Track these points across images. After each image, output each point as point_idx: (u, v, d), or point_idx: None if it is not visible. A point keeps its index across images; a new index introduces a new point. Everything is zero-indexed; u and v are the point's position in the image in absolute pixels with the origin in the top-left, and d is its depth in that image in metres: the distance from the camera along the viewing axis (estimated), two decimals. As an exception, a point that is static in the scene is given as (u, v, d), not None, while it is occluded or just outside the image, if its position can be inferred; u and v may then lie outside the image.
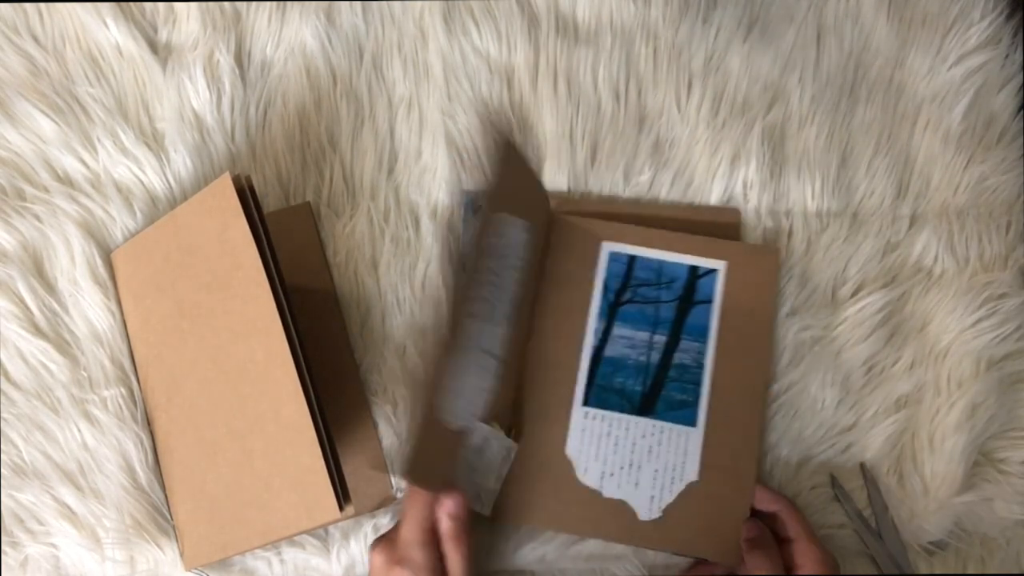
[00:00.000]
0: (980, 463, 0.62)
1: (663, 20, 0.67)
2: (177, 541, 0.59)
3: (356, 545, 0.59)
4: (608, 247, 0.63)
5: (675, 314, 0.62)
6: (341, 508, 0.50)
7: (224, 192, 0.55)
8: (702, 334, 0.62)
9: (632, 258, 0.63)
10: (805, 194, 0.66)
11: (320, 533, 0.60)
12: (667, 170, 0.66)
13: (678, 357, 0.61)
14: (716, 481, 0.59)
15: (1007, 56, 0.68)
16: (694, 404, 0.60)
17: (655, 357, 0.61)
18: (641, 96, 0.67)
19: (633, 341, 0.62)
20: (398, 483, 0.60)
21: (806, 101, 0.67)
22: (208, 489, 0.57)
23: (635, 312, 0.62)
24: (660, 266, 0.63)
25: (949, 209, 0.66)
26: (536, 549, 0.59)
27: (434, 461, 0.50)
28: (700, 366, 0.61)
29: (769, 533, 0.56)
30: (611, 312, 0.62)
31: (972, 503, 0.60)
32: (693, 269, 0.63)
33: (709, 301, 0.62)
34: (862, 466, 0.61)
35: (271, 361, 0.53)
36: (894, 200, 0.66)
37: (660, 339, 0.62)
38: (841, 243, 0.65)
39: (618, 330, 0.62)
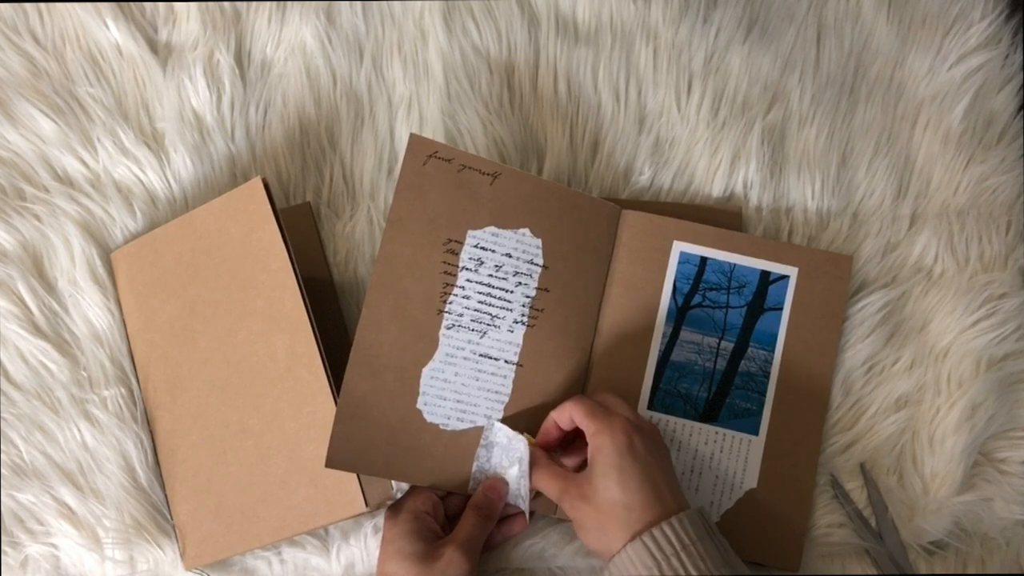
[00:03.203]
0: (980, 463, 0.62)
1: (663, 20, 0.67)
2: (177, 541, 0.59)
3: (356, 545, 0.59)
4: (679, 247, 0.61)
5: (744, 320, 0.61)
6: (366, 502, 0.52)
7: (254, 195, 0.57)
8: (770, 342, 0.61)
9: (703, 260, 0.61)
10: (805, 194, 0.66)
11: (320, 533, 0.60)
12: (667, 170, 0.66)
13: (745, 365, 0.61)
14: (775, 489, 0.59)
15: (1007, 56, 0.68)
16: (758, 413, 0.60)
17: (721, 364, 0.61)
18: (641, 96, 0.67)
19: (700, 347, 0.61)
20: (398, 484, 0.60)
21: (806, 101, 0.67)
22: (214, 488, 0.57)
23: (704, 317, 0.61)
24: (732, 269, 0.61)
25: (949, 209, 0.66)
26: (535, 545, 0.59)
27: (374, 451, 0.54)
28: (766, 375, 0.60)
29: (537, 453, 0.54)
30: (679, 315, 0.61)
31: (972, 503, 0.60)
32: (765, 274, 0.61)
33: (779, 308, 0.61)
34: (862, 466, 0.61)
35: (296, 360, 0.55)
36: (894, 200, 0.66)
37: (727, 346, 0.61)
38: (841, 243, 0.65)
39: (685, 335, 0.61)
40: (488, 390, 0.57)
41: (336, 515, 0.54)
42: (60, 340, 0.61)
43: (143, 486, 0.59)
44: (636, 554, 0.47)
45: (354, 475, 0.53)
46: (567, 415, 0.54)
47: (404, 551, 0.52)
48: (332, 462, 0.52)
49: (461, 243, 0.57)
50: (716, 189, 0.66)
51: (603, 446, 0.50)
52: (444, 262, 0.57)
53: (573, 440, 0.57)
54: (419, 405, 0.56)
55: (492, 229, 0.58)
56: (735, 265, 0.62)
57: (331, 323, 0.62)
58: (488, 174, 0.58)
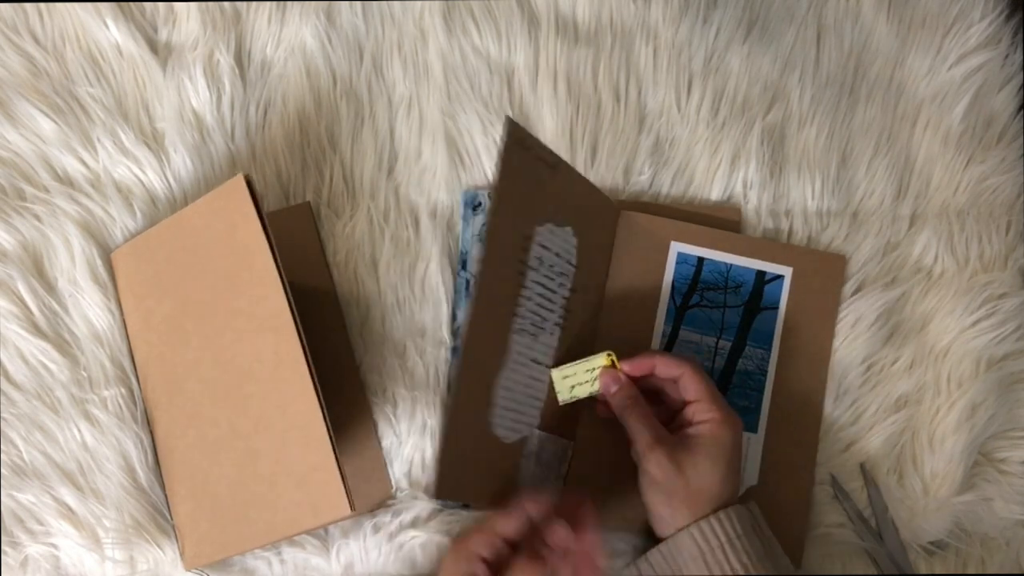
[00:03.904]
0: (980, 463, 0.62)
1: (663, 20, 0.67)
2: (177, 541, 0.59)
3: (356, 544, 0.59)
4: (677, 247, 0.62)
5: (741, 320, 0.61)
6: (352, 506, 0.51)
7: (237, 193, 0.55)
8: (767, 341, 0.61)
9: (700, 260, 0.62)
10: (805, 194, 0.66)
11: (320, 533, 0.60)
12: (667, 170, 0.66)
13: (742, 364, 0.61)
14: (775, 485, 0.59)
15: (1007, 56, 0.68)
16: (756, 410, 0.60)
17: (719, 363, 0.61)
18: (641, 96, 0.67)
19: (699, 346, 0.61)
20: (398, 483, 0.60)
21: (806, 101, 0.67)
22: (210, 489, 0.57)
23: (702, 316, 0.61)
24: (728, 270, 0.62)
25: (949, 209, 0.66)
26: (536, 549, 0.59)
27: (475, 476, 0.50)
28: (763, 373, 0.61)
29: (637, 391, 0.53)
30: (678, 315, 0.61)
31: (972, 503, 0.60)
32: (760, 275, 0.62)
33: (775, 307, 0.62)
34: (862, 466, 0.61)
35: (281, 360, 0.53)
36: (894, 200, 0.66)
37: (725, 345, 0.61)
38: (841, 243, 0.65)
39: (684, 334, 0.61)
40: (532, 397, 0.54)
41: (322, 519, 0.52)
42: (60, 340, 0.61)
43: (143, 486, 0.59)
44: (683, 540, 0.49)
45: (339, 478, 0.50)
46: (678, 373, 0.53)
47: None
48: (441, 492, 0.48)
49: (531, 239, 0.53)
50: (716, 189, 0.66)
51: (724, 436, 0.51)
52: (520, 260, 0.52)
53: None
54: (492, 418, 0.51)
55: (550, 227, 0.54)
56: (731, 265, 0.62)
57: (330, 324, 0.62)
58: (550, 165, 0.53)
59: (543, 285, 0.54)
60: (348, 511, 0.51)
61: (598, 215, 0.60)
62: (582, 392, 0.55)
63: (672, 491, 0.50)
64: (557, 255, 0.55)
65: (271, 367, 0.54)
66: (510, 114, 0.66)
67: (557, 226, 0.55)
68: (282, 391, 0.54)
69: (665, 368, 0.54)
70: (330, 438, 0.51)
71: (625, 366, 0.54)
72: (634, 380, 0.54)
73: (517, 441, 0.54)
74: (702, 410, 0.52)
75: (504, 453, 0.53)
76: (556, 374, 0.55)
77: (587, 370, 0.54)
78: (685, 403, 0.54)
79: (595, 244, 0.60)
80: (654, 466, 0.51)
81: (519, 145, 0.50)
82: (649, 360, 0.54)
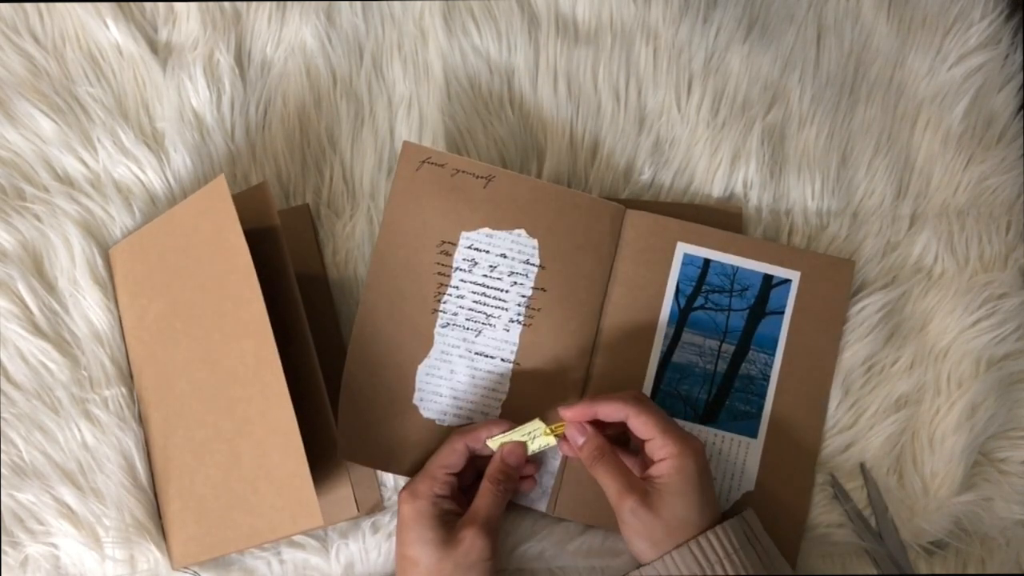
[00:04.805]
0: (980, 463, 0.62)
1: (663, 20, 0.67)
2: (165, 539, 0.59)
3: (355, 545, 0.59)
4: (683, 248, 0.61)
5: (745, 324, 0.61)
6: (322, 516, 0.51)
7: (219, 194, 0.55)
8: (771, 346, 0.61)
9: (707, 262, 0.61)
10: (805, 194, 0.66)
11: (319, 533, 0.60)
12: (667, 170, 0.66)
13: (745, 368, 0.61)
14: (773, 491, 0.59)
15: (1007, 56, 0.68)
16: (757, 416, 0.60)
17: (722, 367, 0.61)
18: (641, 96, 0.67)
19: (702, 349, 0.61)
20: (397, 484, 0.60)
21: (806, 101, 0.67)
22: (196, 489, 0.57)
23: (706, 319, 0.61)
24: (734, 272, 0.61)
25: (949, 209, 0.66)
26: (535, 546, 0.59)
27: (376, 444, 0.57)
28: (766, 378, 0.61)
29: (603, 441, 0.54)
30: (682, 317, 0.61)
31: (972, 503, 0.60)
32: (767, 278, 0.61)
33: (781, 312, 0.61)
34: (862, 466, 0.61)
35: (260, 366, 0.53)
36: (894, 200, 0.66)
37: (729, 348, 0.61)
38: (841, 243, 0.65)
39: (687, 336, 0.61)
40: (486, 388, 0.58)
41: (299, 526, 0.52)
42: (60, 340, 0.61)
43: (143, 485, 0.59)
44: (682, 559, 0.50)
45: (312, 489, 0.51)
46: (622, 416, 0.53)
47: (424, 538, 0.52)
48: (344, 454, 0.56)
49: (455, 244, 0.59)
50: (716, 189, 0.66)
51: (688, 467, 0.51)
52: (438, 263, 0.59)
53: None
54: (415, 401, 0.58)
55: (486, 230, 0.59)
56: (738, 268, 0.62)
57: (327, 328, 0.62)
58: (482, 177, 0.59)
59: (482, 284, 0.59)
60: (319, 521, 0.51)
61: (580, 216, 0.60)
62: (535, 447, 0.55)
63: (654, 535, 0.51)
64: (502, 256, 0.59)
65: (253, 371, 0.54)
66: (514, 118, 0.66)
67: (497, 229, 0.59)
68: (263, 396, 0.53)
69: (608, 413, 0.54)
70: (310, 445, 0.51)
71: (567, 413, 0.54)
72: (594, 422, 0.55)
73: (465, 426, 0.58)
74: (658, 447, 0.52)
75: (434, 432, 0.58)
76: (492, 444, 0.55)
77: (523, 434, 0.55)
78: (643, 441, 0.54)
79: (581, 245, 0.60)
80: (629, 515, 0.51)
81: (427, 164, 0.58)
82: (590, 408, 0.54)
